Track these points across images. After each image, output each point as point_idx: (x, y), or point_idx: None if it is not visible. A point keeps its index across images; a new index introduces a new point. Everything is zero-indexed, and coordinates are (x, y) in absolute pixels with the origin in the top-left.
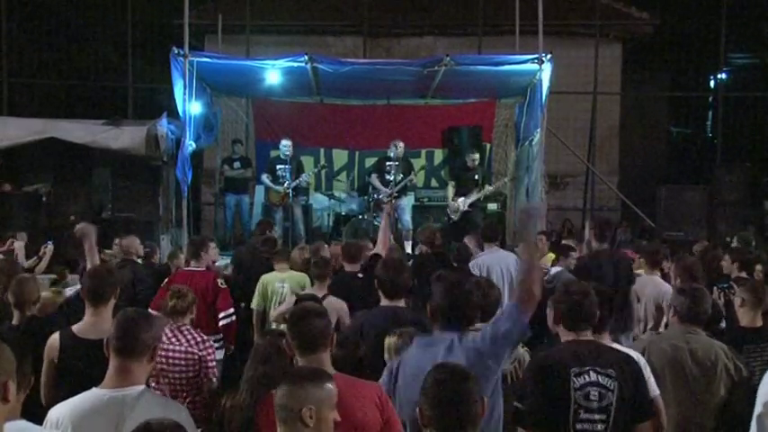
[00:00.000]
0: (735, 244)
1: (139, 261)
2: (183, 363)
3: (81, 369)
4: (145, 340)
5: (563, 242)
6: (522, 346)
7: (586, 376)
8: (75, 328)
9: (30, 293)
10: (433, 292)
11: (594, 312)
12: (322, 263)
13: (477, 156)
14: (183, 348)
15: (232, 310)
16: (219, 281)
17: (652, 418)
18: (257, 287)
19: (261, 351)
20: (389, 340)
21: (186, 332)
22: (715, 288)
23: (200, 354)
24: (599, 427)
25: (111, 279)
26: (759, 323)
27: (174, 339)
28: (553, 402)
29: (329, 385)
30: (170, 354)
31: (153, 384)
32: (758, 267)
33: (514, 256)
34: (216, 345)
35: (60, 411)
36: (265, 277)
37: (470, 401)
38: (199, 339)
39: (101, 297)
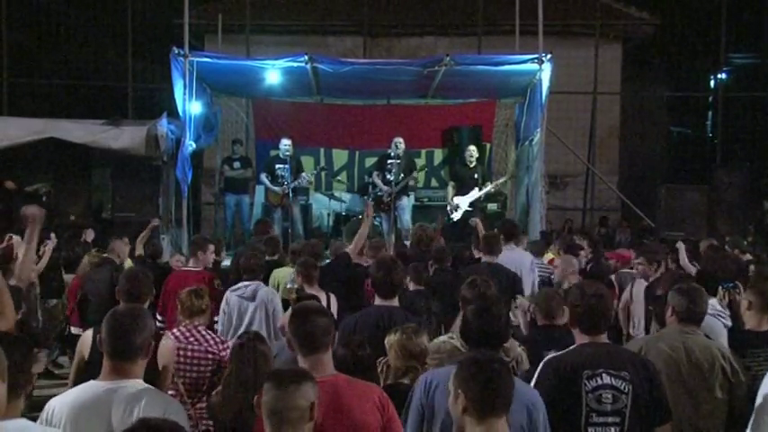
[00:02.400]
0: (727, 248)
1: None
2: (202, 362)
3: None
4: (138, 343)
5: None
6: (519, 345)
7: (599, 379)
8: (102, 325)
9: None
10: (464, 316)
11: (610, 315)
12: (309, 264)
13: (474, 148)
14: (202, 348)
15: None
16: (216, 282)
17: (670, 422)
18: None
19: (238, 354)
20: (391, 338)
21: (204, 332)
22: (720, 287)
23: (220, 354)
24: (612, 430)
25: (147, 281)
26: (765, 327)
27: (191, 339)
28: (565, 405)
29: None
30: (188, 353)
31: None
32: (751, 267)
33: (530, 257)
34: None
35: (57, 402)
36: (277, 272)
37: (511, 384)
38: (218, 339)
39: (137, 298)
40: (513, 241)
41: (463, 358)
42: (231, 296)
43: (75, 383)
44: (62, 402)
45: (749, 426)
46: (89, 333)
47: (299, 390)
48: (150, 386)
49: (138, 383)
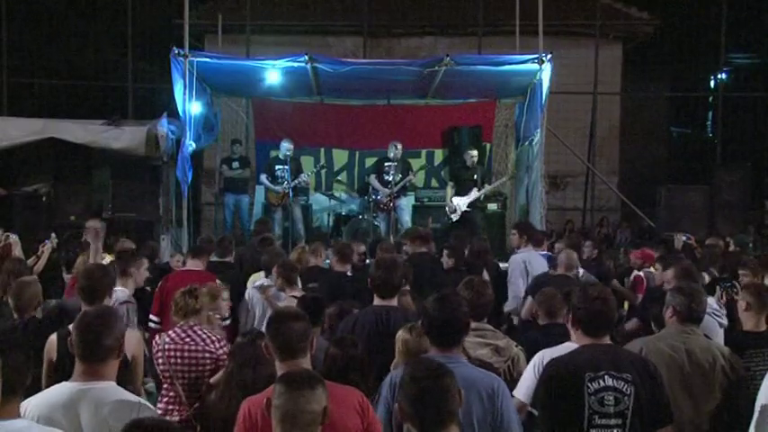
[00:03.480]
0: (732, 247)
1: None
2: (200, 362)
3: None
4: (108, 345)
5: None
6: (516, 345)
7: (601, 381)
8: (72, 327)
9: (30, 297)
10: (423, 307)
11: (613, 317)
12: (289, 266)
13: (475, 152)
14: (199, 348)
15: (229, 312)
16: (218, 282)
17: (671, 424)
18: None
19: (239, 353)
20: (400, 334)
21: (200, 331)
22: (718, 287)
23: (218, 353)
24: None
25: (105, 277)
26: (762, 327)
27: (188, 339)
28: (567, 408)
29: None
30: (185, 353)
31: (165, 385)
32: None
33: (544, 261)
34: None
35: (31, 402)
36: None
37: (449, 397)
38: (215, 338)
39: (95, 295)
40: (532, 244)
41: (403, 370)
42: (254, 293)
43: (47, 387)
44: (36, 403)
45: (751, 426)
46: (53, 337)
47: (313, 394)
48: (120, 388)
49: (108, 385)
